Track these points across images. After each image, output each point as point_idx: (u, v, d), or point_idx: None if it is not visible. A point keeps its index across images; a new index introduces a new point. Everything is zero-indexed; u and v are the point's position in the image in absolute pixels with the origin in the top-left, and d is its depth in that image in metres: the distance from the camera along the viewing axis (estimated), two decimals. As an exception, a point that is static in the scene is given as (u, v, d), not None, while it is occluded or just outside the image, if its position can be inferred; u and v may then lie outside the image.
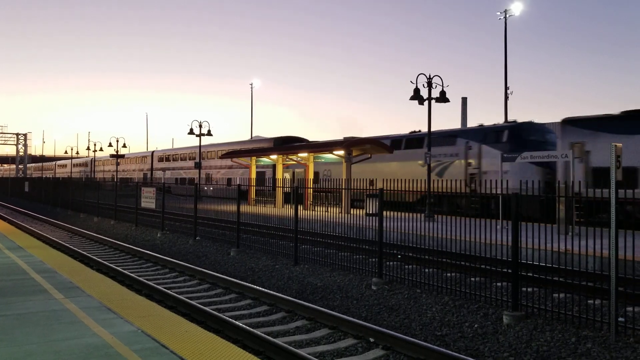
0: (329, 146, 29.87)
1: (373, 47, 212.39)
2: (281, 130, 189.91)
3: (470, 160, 27.52)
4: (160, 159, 63.46)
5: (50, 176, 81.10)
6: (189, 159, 55.09)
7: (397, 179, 12.97)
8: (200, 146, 45.40)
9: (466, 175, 27.37)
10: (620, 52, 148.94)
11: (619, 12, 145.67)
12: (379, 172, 28.84)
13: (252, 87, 72.07)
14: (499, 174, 21.53)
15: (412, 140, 31.42)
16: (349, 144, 28.11)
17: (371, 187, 22.82)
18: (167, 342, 5.51)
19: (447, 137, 29.01)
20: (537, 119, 28.94)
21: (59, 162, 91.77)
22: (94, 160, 76.34)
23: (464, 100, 41.61)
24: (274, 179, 35.16)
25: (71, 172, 69.78)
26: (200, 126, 42.28)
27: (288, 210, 16.67)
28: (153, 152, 67.97)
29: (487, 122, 34.30)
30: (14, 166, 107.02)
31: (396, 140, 31.82)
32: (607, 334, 8.03)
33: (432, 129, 25.21)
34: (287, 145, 38.29)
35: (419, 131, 31.89)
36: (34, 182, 52.61)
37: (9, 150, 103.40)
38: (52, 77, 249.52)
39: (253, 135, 61.46)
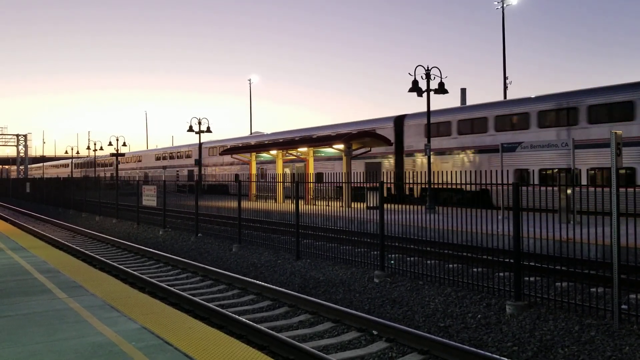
0: (328, 140, 29.82)
1: (371, 40, 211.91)
2: (280, 126, 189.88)
3: None
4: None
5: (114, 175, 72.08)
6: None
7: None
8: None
9: None
10: (619, 41, 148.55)
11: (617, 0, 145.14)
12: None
13: (250, 83, 72.09)
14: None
15: None
16: (348, 137, 28.06)
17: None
18: (171, 339, 5.53)
19: None
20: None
21: (127, 155, 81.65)
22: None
23: (463, 91, 41.47)
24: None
25: (165, 169, 61.08)
26: (200, 123, 42.27)
27: (289, 205, 16.66)
28: None
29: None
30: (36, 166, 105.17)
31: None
32: (611, 321, 8.04)
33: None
34: (286, 140, 38.19)
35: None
36: (35, 182, 52.62)
37: (10, 152, 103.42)
38: (50, 77, 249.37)
39: (253, 131, 61.38)
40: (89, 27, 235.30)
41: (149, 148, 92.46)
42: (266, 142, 40.51)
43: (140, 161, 68.86)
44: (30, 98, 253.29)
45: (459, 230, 12.53)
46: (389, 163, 31.73)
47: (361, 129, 31.83)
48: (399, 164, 31.14)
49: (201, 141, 47.95)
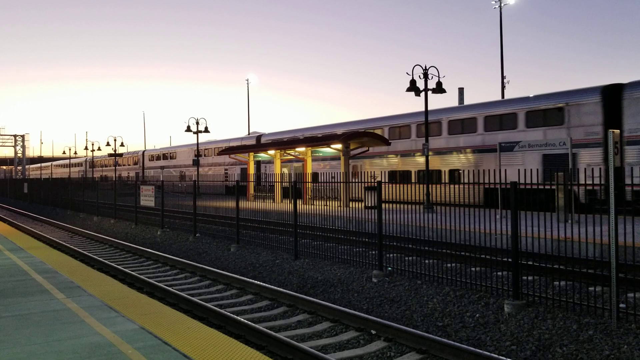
0: (326, 140, 29.81)
1: (369, 39, 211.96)
2: (278, 126, 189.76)
3: None
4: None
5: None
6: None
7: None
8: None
9: None
10: (616, 38, 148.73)
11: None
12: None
13: (248, 83, 72.09)
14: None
15: None
16: (346, 137, 28.06)
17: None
18: (169, 339, 5.52)
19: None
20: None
21: (158, 152, 67.08)
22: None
23: (461, 91, 41.46)
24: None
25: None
26: (198, 123, 42.23)
27: (287, 205, 16.64)
28: None
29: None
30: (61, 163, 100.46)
31: None
32: (609, 320, 8.05)
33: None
34: (284, 139, 38.10)
35: None
36: (33, 183, 52.48)
37: (8, 152, 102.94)
38: (48, 77, 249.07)
39: (250, 131, 61.30)
40: (87, 28, 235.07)
41: (146, 148, 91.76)
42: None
43: (174, 158, 60.06)
44: (28, 98, 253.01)
45: (457, 229, 12.54)
46: (590, 155, 22.19)
47: (533, 108, 24.49)
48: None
49: (260, 135, 45.69)
